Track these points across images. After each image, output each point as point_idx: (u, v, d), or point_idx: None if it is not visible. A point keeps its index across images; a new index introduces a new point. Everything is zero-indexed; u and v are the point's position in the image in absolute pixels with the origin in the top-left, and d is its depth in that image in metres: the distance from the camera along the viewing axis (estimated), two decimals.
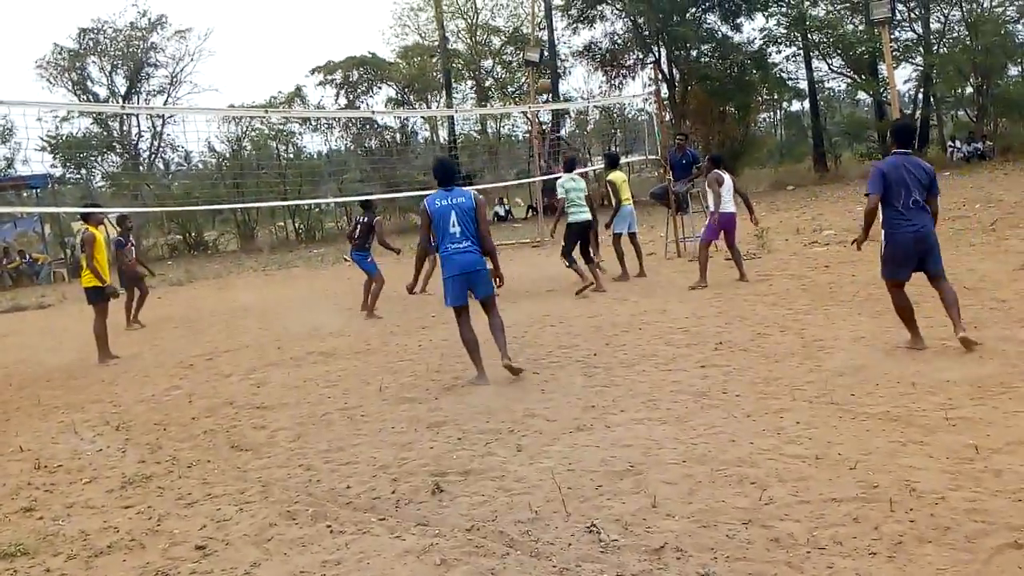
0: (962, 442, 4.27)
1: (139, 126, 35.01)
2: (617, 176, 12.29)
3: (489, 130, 36.41)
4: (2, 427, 7.06)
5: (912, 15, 30.26)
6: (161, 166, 36.38)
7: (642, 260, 12.11)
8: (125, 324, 12.67)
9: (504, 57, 35.26)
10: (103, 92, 35.17)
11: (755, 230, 14.81)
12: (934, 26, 30.43)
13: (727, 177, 10.71)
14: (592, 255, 11.34)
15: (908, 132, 6.88)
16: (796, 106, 38.64)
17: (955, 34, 30.27)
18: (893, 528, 3.43)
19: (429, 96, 35.95)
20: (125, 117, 33.90)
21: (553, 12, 32.88)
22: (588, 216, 11.17)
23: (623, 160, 28.65)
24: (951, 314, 6.22)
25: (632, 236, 11.95)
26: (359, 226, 11.65)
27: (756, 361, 6.47)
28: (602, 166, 15.50)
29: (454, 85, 35.34)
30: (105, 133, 34.53)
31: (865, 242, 6.66)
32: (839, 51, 31.24)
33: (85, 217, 10.37)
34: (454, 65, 34.95)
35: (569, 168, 11.57)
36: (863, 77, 31.34)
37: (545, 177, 19.86)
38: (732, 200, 10.67)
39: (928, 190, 6.33)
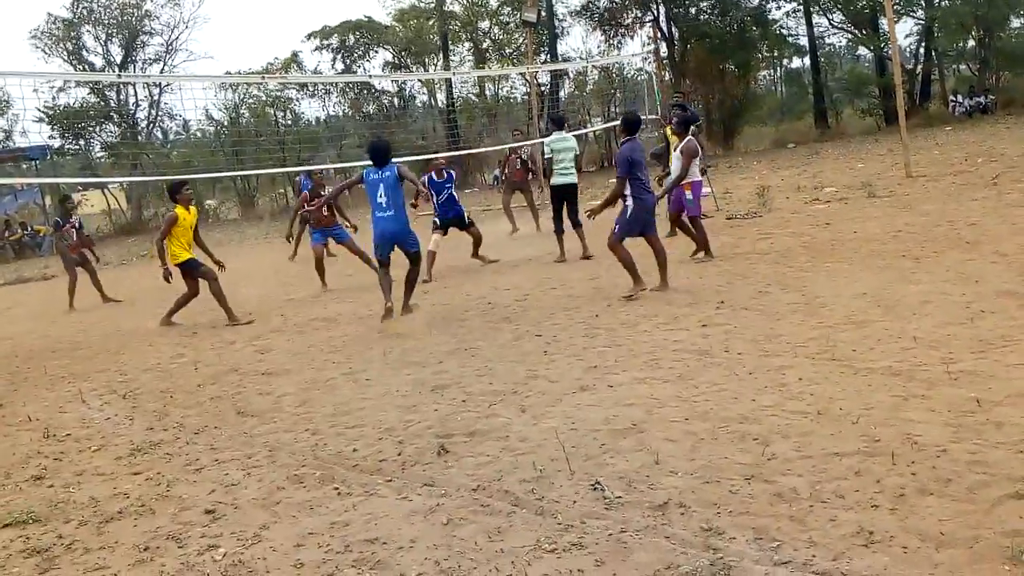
0: (963, 395, 4.29)
1: (136, 95, 34.75)
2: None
3: (487, 93, 36.11)
4: (10, 397, 7.12)
5: None
6: (159, 135, 36.24)
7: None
8: (68, 306, 12.52)
9: (501, 18, 34.82)
10: (99, 61, 34.85)
11: (756, 188, 14.79)
12: None
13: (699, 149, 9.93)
14: (578, 219, 10.87)
15: (636, 122, 8.22)
16: (796, 63, 38.29)
17: None
18: (895, 481, 3.46)
19: (426, 59, 35.60)
20: (122, 86, 33.62)
21: None
22: (573, 179, 10.88)
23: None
24: (661, 272, 8.01)
25: None
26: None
27: (757, 319, 6.48)
28: (602, 127, 15.32)
29: (451, 47, 35.01)
30: (102, 103, 34.28)
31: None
32: (839, 6, 30.89)
33: (173, 194, 9.91)
34: (451, 27, 34.58)
35: (559, 126, 11.33)
36: (864, 32, 31.01)
37: (544, 139, 19.75)
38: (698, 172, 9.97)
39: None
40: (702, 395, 4.84)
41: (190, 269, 9.60)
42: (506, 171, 14.58)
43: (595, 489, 3.72)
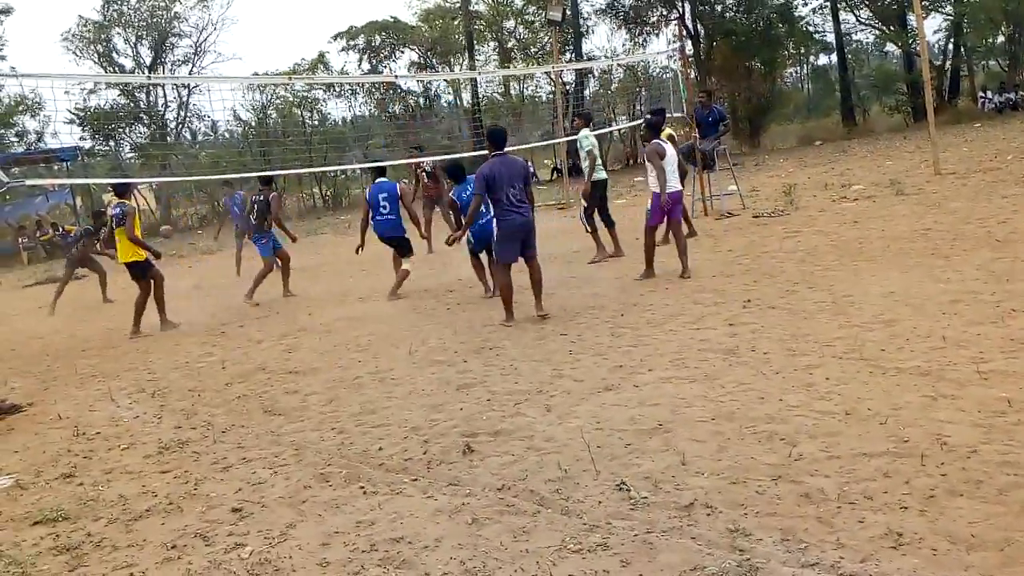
0: (994, 395, 4.23)
1: (165, 96, 35.21)
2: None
3: (512, 92, 36.10)
4: (41, 396, 7.22)
5: None
6: (188, 136, 36.61)
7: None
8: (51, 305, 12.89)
9: (526, 17, 34.78)
10: (129, 63, 35.37)
11: (782, 186, 14.66)
12: None
13: (669, 148, 9.01)
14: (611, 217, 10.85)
15: (502, 136, 7.93)
16: (823, 60, 38.00)
17: None
18: (924, 482, 3.42)
19: (452, 59, 35.66)
20: (151, 88, 34.06)
21: None
22: (605, 174, 10.91)
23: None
24: (536, 291, 7.71)
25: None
26: (255, 205, 11.13)
27: (784, 318, 6.43)
28: (627, 125, 14.99)
29: (476, 47, 35.04)
30: (132, 104, 34.74)
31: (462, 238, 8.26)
32: (867, 2, 30.53)
33: (119, 191, 10.21)
34: (476, 27, 34.61)
35: (588, 122, 11.20)
36: (891, 28, 30.64)
37: (570, 138, 19.73)
38: (676, 175, 9.11)
39: (525, 182, 7.70)
40: (728, 395, 4.81)
41: (143, 270, 9.79)
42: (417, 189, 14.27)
43: (621, 489, 3.71)
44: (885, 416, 4.15)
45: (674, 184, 8.94)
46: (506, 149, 7.82)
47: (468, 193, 8.49)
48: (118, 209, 9.77)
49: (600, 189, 10.73)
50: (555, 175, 24.37)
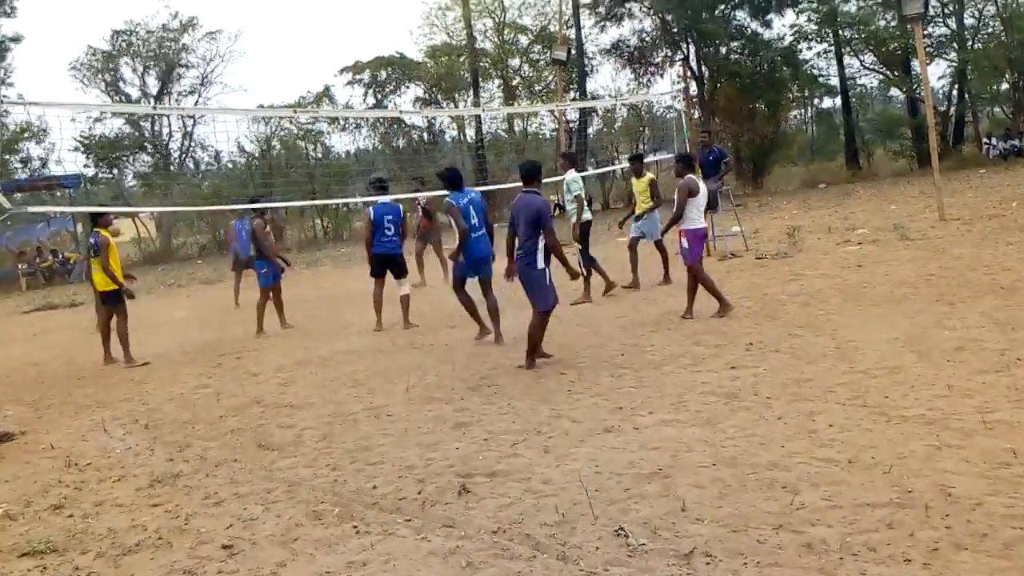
0: (999, 446, 4.17)
1: (170, 126, 35.45)
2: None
3: (516, 129, 36.33)
4: (34, 424, 7.15)
5: (946, 10, 29.72)
6: (191, 166, 36.79)
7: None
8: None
9: (531, 56, 35.10)
10: (135, 93, 35.66)
11: (785, 228, 14.67)
12: (968, 21, 29.88)
13: (702, 186, 8.83)
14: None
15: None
16: (828, 103, 38.18)
17: (990, 29, 29.69)
18: (929, 534, 3.35)
19: (456, 95, 35.92)
20: (156, 117, 34.32)
21: (580, 10, 32.74)
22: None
23: (651, 158, 28.59)
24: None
25: (658, 242, 11.21)
26: (252, 233, 11.25)
27: (787, 362, 6.38)
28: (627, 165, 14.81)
29: (481, 84, 35.29)
30: (137, 133, 34.97)
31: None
32: (871, 47, 30.80)
33: (95, 220, 10.11)
34: (481, 64, 34.90)
35: (573, 163, 11.18)
36: (896, 73, 30.90)
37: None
38: (703, 213, 8.90)
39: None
40: (730, 440, 4.74)
41: (118, 299, 9.71)
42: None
43: (619, 535, 3.63)
44: (889, 465, 4.08)
45: (702, 222, 8.84)
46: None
47: (464, 201, 8.44)
48: (93, 239, 9.75)
49: (587, 228, 10.71)
50: (557, 211, 24.47)
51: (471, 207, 8.46)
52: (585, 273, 10.54)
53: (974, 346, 6.15)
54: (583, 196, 10.67)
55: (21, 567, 4.02)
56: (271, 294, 11.20)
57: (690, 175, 8.80)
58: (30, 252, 27.73)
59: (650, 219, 11.18)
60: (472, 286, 8.67)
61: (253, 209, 11.74)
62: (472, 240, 8.40)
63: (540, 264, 7.11)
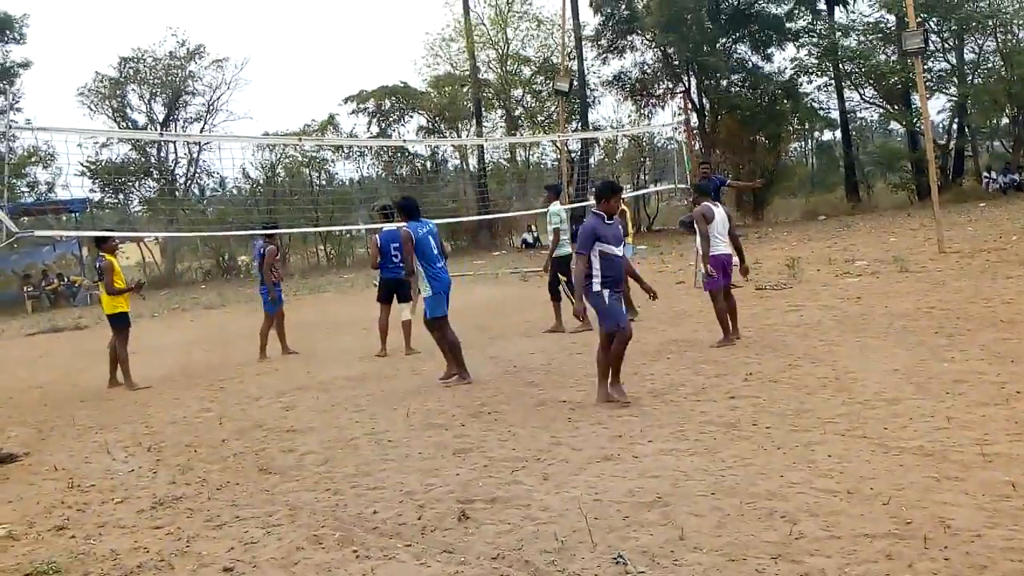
0: (998, 479, 4.19)
1: (176, 152, 35.72)
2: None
3: (518, 158, 36.59)
4: (38, 445, 7.17)
5: (946, 45, 30.03)
6: (196, 192, 37.00)
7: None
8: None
9: (534, 86, 35.45)
10: (142, 119, 35.98)
11: (786, 260, 14.73)
12: (968, 56, 30.19)
13: (718, 211, 8.94)
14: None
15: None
16: (828, 135, 38.50)
17: (990, 64, 29.98)
18: (927, 566, 3.36)
19: (459, 125, 36.23)
20: (163, 144, 34.58)
21: (583, 42, 33.10)
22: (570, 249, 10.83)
23: (653, 188, 28.75)
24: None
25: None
26: (259, 257, 11.43)
27: (787, 392, 6.40)
28: (632, 194, 14.94)
29: (484, 114, 35.60)
30: (143, 159, 35.23)
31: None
32: (871, 81, 31.07)
33: (99, 244, 10.23)
34: (484, 94, 35.23)
35: (557, 195, 11.16)
36: (896, 107, 31.13)
37: (574, 205, 19.90)
38: (725, 239, 8.89)
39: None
40: (729, 469, 4.76)
41: (124, 322, 9.78)
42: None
43: (617, 563, 3.65)
44: (888, 496, 4.10)
45: (721, 248, 8.81)
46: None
47: (424, 232, 8.12)
48: (99, 263, 9.87)
49: (563, 264, 10.67)
50: (537, 244, 24.63)
51: (430, 237, 8.17)
52: (552, 299, 10.70)
53: (974, 378, 6.18)
54: (563, 229, 10.66)
55: None
56: (274, 320, 11.26)
57: (705, 203, 8.93)
58: (36, 275, 27.84)
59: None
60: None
61: (265, 235, 11.85)
62: (438, 270, 8.11)
63: (596, 287, 6.66)
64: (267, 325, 11.21)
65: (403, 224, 8.32)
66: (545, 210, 11.36)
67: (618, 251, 6.77)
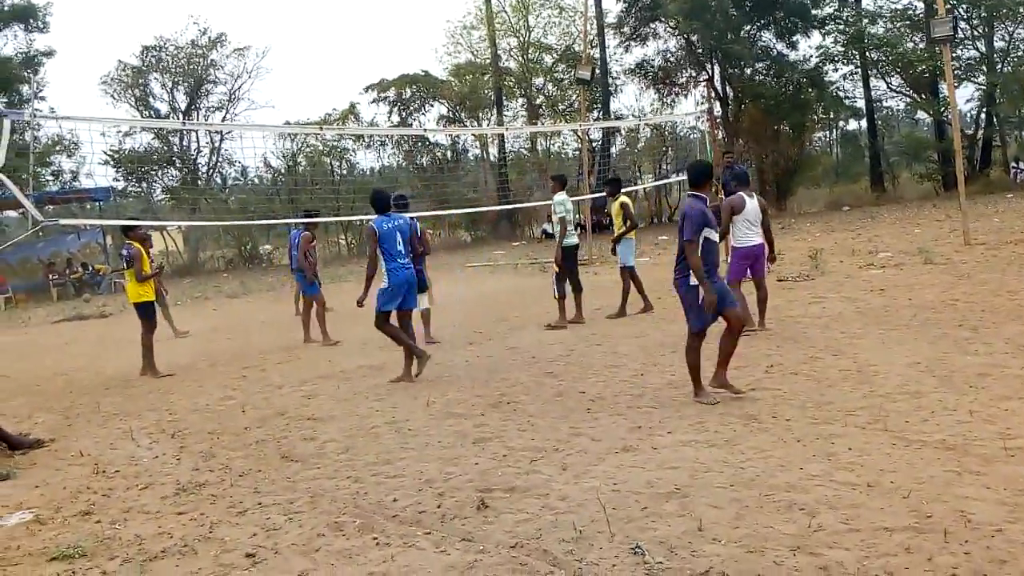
0: (1021, 473, 4.16)
1: (198, 141, 35.99)
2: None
3: (539, 147, 36.53)
4: (64, 432, 7.27)
5: (975, 33, 29.64)
6: (218, 180, 37.27)
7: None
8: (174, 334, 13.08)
9: (555, 75, 35.37)
10: (164, 108, 36.26)
11: (808, 251, 14.63)
12: (998, 44, 29.77)
13: (749, 202, 8.73)
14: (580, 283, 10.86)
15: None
16: (853, 125, 38.10)
17: (1020, 52, 29.56)
18: (947, 560, 3.35)
19: (480, 114, 36.22)
20: (185, 132, 34.87)
21: (605, 30, 32.97)
22: (577, 240, 10.82)
23: (675, 178, 28.59)
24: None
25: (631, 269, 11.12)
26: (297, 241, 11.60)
27: (807, 385, 6.38)
28: (652, 184, 14.96)
29: (505, 103, 35.58)
30: (165, 148, 35.52)
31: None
32: (898, 70, 30.72)
33: (126, 232, 10.40)
34: (505, 83, 35.20)
35: (563, 185, 11.11)
36: (923, 96, 30.78)
37: (594, 195, 19.88)
38: (757, 230, 8.77)
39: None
40: (748, 461, 4.76)
41: (150, 310, 9.93)
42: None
43: (635, 553, 3.66)
44: (908, 490, 4.08)
45: (752, 239, 8.73)
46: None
47: (390, 227, 8.05)
48: (126, 250, 10.01)
49: (570, 255, 10.68)
50: (579, 231, 24.52)
51: (396, 233, 8.07)
52: (558, 296, 10.60)
53: (997, 372, 6.12)
54: (569, 219, 10.64)
55: (50, 571, 4.10)
56: (315, 302, 11.44)
57: (739, 191, 8.80)
58: (60, 263, 28.16)
59: (625, 244, 11.08)
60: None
61: (305, 224, 12.01)
62: (397, 265, 8.05)
63: (693, 280, 6.23)
64: (308, 308, 11.47)
65: (407, 216, 8.32)
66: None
67: (716, 236, 6.35)
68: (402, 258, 8.11)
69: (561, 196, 10.79)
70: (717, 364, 6.33)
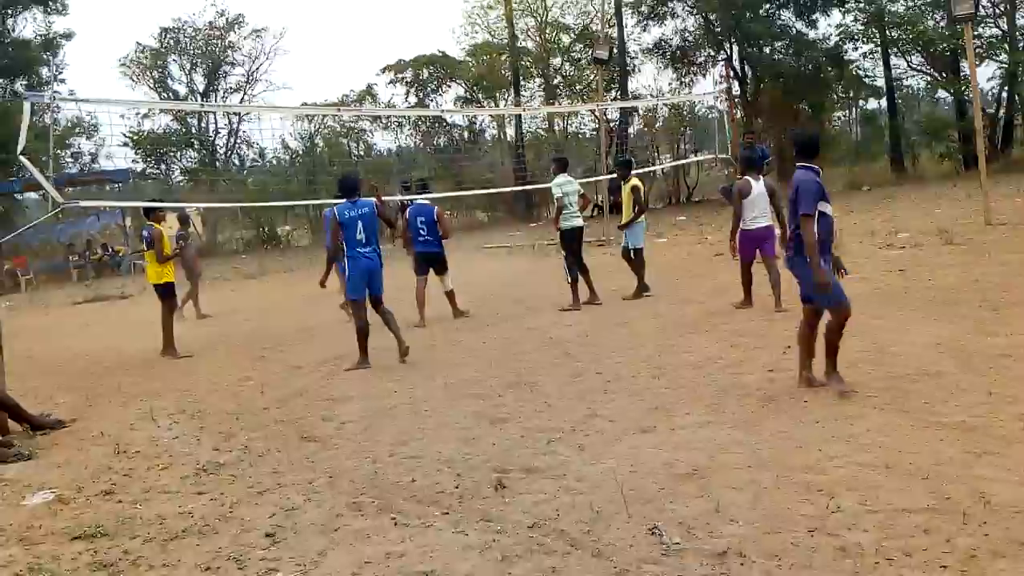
0: None
1: (216, 123, 36.03)
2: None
3: (556, 128, 36.35)
4: (85, 412, 7.36)
5: (997, 11, 29.14)
6: (237, 162, 37.36)
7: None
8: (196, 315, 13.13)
9: (573, 55, 35.09)
10: (182, 90, 36.30)
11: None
12: (1020, 22, 29.21)
13: (756, 186, 8.92)
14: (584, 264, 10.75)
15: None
16: (873, 104, 37.61)
17: None
18: (966, 541, 3.34)
19: (497, 94, 36.05)
20: (203, 114, 34.90)
21: (623, 9, 32.66)
22: (581, 222, 10.75)
23: (693, 158, 28.42)
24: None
25: (639, 251, 11.03)
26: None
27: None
28: (671, 164, 14.83)
29: (522, 83, 35.35)
30: (184, 130, 35.60)
31: None
32: (919, 48, 30.26)
33: (148, 213, 10.47)
34: (523, 63, 34.98)
35: (563, 168, 11.05)
36: (944, 75, 30.33)
37: (611, 175, 19.77)
38: (766, 213, 8.95)
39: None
40: (766, 442, 4.75)
41: (170, 291, 10.06)
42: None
43: (653, 534, 3.67)
44: (927, 471, 4.07)
45: (759, 222, 8.95)
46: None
47: (352, 214, 7.98)
48: (147, 232, 10.07)
49: (569, 238, 10.60)
50: (596, 212, 24.42)
51: (359, 221, 8.02)
52: (570, 279, 10.53)
53: (1018, 352, 6.07)
54: (567, 202, 10.57)
55: (73, 550, 4.16)
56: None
57: (747, 176, 9.07)
58: (80, 245, 28.40)
59: (632, 228, 10.97)
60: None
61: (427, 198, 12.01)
62: (357, 254, 8.05)
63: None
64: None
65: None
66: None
67: (830, 210, 5.83)
68: (362, 247, 8.07)
69: (561, 178, 10.76)
70: (825, 356, 5.87)
